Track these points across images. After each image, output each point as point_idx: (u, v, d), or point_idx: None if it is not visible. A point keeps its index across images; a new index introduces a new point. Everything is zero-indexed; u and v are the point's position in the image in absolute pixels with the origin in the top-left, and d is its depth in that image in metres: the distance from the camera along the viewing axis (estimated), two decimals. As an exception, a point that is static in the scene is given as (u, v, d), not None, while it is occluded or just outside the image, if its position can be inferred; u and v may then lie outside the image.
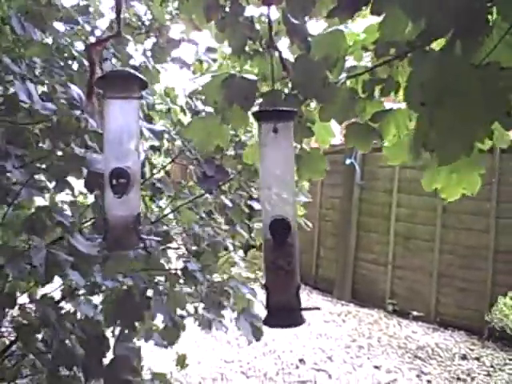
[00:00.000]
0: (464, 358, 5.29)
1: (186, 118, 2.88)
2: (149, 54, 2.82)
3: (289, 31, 1.57)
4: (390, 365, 5.05)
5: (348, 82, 1.67)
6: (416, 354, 5.36)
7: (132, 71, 1.35)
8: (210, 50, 3.05)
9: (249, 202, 2.79)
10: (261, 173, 1.28)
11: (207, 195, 2.65)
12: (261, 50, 1.66)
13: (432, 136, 1.07)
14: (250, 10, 1.66)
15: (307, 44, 1.59)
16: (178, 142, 2.69)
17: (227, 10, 1.63)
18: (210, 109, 1.80)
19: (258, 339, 2.26)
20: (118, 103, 1.32)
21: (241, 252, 2.95)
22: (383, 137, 1.74)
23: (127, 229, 1.31)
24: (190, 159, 2.55)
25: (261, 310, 2.27)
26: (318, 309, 1.48)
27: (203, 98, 2.82)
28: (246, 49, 1.67)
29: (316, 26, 1.73)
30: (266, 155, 1.26)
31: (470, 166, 1.62)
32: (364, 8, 1.35)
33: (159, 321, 2.30)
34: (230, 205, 2.66)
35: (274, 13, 1.66)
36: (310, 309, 1.35)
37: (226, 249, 2.71)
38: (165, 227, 2.40)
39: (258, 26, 1.70)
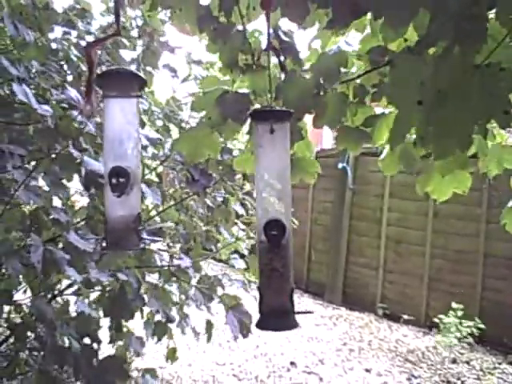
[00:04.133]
0: (454, 361, 5.33)
1: (171, 125, 2.90)
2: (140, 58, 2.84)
3: (280, 48, 1.58)
4: (380, 368, 5.08)
5: (339, 88, 1.70)
6: (406, 357, 5.40)
7: (131, 69, 1.36)
8: (199, 62, 3.07)
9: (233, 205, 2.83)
10: (256, 173, 1.26)
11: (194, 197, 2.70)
12: (253, 65, 1.64)
13: (429, 132, 1.11)
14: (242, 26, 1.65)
15: (299, 60, 1.61)
16: (166, 146, 2.72)
17: (220, 21, 1.61)
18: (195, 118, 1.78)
19: (244, 336, 2.28)
20: (118, 102, 1.31)
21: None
22: (375, 141, 1.78)
23: (128, 229, 1.29)
24: (178, 163, 2.58)
25: (250, 308, 2.31)
26: (311, 312, 1.46)
27: (189, 106, 2.87)
28: (239, 63, 1.65)
29: (305, 35, 1.75)
30: (262, 156, 1.24)
31: (462, 167, 1.68)
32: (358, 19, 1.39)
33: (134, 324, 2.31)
34: (211, 205, 2.71)
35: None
36: (303, 312, 1.31)
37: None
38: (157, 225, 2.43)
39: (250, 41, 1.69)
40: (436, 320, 5.92)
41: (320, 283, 7.75)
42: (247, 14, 1.58)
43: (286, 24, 1.54)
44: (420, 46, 1.18)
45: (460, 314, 5.69)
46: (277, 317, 1.24)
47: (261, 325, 1.25)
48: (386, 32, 1.41)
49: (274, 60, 1.69)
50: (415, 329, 6.28)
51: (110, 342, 2.23)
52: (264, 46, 1.69)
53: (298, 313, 1.25)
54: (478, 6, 1.06)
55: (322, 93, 1.62)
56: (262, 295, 1.24)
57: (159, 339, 2.30)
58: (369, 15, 1.40)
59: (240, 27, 1.61)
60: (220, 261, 2.93)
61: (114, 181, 1.27)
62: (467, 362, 5.31)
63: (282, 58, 1.51)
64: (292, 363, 5.05)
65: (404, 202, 6.69)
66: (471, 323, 5.59)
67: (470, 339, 5.59)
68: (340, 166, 7.27)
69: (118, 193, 1.27)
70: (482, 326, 5.56)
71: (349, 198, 7.43)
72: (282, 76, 1.59)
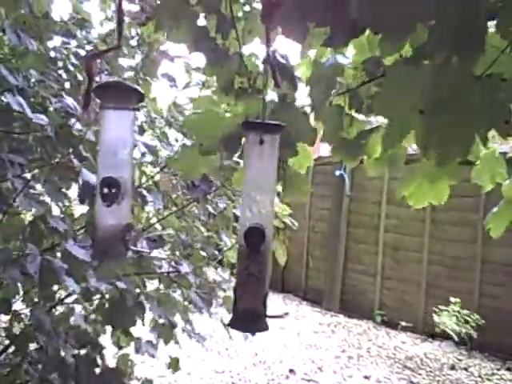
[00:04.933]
0: (452, 368, 5.33)
1: (171, 131, 2.92)
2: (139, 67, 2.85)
3: (276, 71, 1.58)
4: (379, 375, 5.07)
5: (335, 100, 1.71)
6: (405, 364, 5.40)
7: (129, 83, 1.38)
8: (198, 68, 3.08)
9: (233, 211, 2.84)
10: (244, 181, 1.30)
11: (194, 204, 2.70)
12: (249, 88, 1.63)
13: (432, 139, 1.13)
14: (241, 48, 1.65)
15: (295, 83, 1.61)
16: (165, 153, 2.73)
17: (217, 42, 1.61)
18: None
19: (253, 334, 2.29)
20: (114, 114, 1.33)
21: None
22: (370, 154, 1.79)
23: (115, 238, 1.31)
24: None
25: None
26: (282, 317, 1.51)
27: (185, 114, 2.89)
28: (235, 85, 1.64)
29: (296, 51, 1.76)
30: (250, 165, 1.28)
31: (445, 177, 1.69)
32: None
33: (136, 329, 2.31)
34: (214, 212, 2.72)
35: (261, 51, 1.68)
36: (274, 316, 1.38)
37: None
38: (158, 232, 2.43)
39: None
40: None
41: (318, 290, 7.74)
42: (243, 36, 1.59)
43: (282, 47, 1.55)
44: (417, 56, 1.20)
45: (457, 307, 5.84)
46: (249, 319, 1.27)
47: (233, 325, 1.28)
48: (384, 46, 1.41)
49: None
50: (413, 335, 6.29)
51: (119, 349, 2.22)
52: (260, 69, 1.70)
53: (270, 317, 1.29)
54: (477, 17, 1.07)
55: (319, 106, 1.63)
56: (237, 298, 1.27)
57: (166, 343, 2.31)
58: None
59: (237, 50, 1.61)
60: (221, 264, 2.93)
61: (105, 190, 1.29)
62: (465, 369, 5.32)
63: (277, 76, 1.51)
64: (291, 371, 5.04)
65: (401, 209, 6.69)
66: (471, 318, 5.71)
67: (472, 331, 5.68)
68: (337, 173, 7.29)
69: (108, 202, 1.29)
70: (482, 322, 5.68)
71: (346, 205, 7.44)
72: (276, 98, 1.59)
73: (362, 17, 1.10)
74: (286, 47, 1.55)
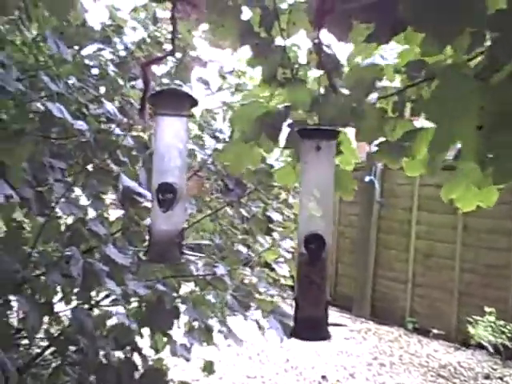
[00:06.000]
0: (487, 377, 5.22)
1: (204, 134, 2.94)
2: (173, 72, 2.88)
3: (321, 61, 1.60)
4: (412, 383, 5.00)
5: (378, 102, 1.70)
6: (439, 372, 5.30)
7: (183, 89, 1.40)
8: (231, 72, 3.13)
9: (267, 213, 2.85)
10: (300, 188, 1.30)
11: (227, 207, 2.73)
12: (292, 78, 1.67)
13: (490, 156, 1.11)
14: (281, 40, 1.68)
15: (340, 73, 1.62)
16: (199, 156, 2.75)
17: (261, 36, 1.65)
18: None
19: (288, 336, 2.29)
20: (169, 120, 1.35)
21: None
22: (414, 155, 1.77)
23: (171, 243, 1.34)
24: (212, 172, 2.62)
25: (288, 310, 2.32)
26: (345, 325, 1.51)
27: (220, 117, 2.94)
28: (277, 77, 1.68)
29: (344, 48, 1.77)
30: (307, 172, 1.28)
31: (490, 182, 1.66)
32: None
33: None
34: (247, 216, 2.73)
35: (306, 42, 1.71)
36: (336, 325, 1.38)
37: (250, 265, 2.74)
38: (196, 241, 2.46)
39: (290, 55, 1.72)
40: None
41: (347, 297, 7.67)
42: (287, 29, 1.61)
43: (326, 37, 1.56)
44: (485, 72, 1.17)
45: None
46: (312, 327, 1.28)
47: (296, 334, 1.28)
48: (426, 47, 1.40)
49: (311, 73, 1.72)
50: (446, 343, 6.18)
51: (157, 353, 2.24)
52: (301, 59, 1.73)
53: (332, 324, 1.28)
54: None
55: (357, 106, 1.63)
56: (299, 306, 1.27)
57: (208, 344, 2.32)
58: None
59: (280, 42, 1.64)
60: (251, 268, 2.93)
61: (161, 196, 1.31)
62: (501, 378, 5.20)
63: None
64: (323, 377, 5.00)
65: (433, 215, 6.62)
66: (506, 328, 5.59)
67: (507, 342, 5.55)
68: (367, 179, 7.22)
69: (164, 208, 1.31)
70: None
71: (376, 210, 7.37)
72: (321, 89, 1.60)
73: (409, 17, 1.09)
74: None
